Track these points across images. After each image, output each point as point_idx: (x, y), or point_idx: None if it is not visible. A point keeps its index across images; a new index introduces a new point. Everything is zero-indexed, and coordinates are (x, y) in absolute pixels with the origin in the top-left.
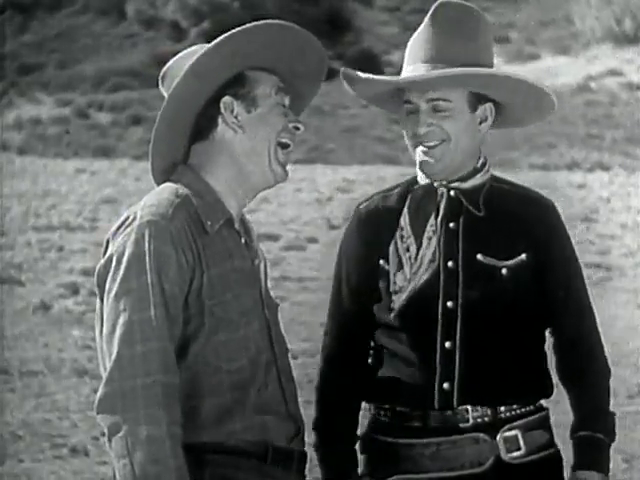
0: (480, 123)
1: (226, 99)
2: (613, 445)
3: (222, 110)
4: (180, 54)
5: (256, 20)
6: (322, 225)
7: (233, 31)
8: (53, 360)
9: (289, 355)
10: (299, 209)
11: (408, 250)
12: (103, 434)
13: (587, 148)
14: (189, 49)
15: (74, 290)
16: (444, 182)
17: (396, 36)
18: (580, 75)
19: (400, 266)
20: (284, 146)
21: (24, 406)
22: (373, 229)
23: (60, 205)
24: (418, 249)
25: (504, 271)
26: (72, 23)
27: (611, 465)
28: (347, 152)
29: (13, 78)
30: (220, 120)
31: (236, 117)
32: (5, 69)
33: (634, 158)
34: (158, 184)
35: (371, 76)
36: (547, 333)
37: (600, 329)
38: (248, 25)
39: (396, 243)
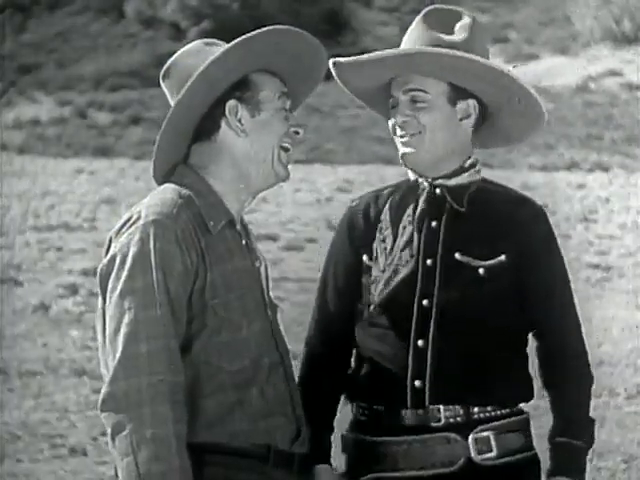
0: (461, 119)
1: (231, 103)
2: (613, 445)
3: (227, 113)
4: (183, 50)
5: (256, 20)
6: (321, 225)
7: (241, 38)
8: (52, 360)
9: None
10: (298, 209)
11: (384, 241)
12: (104, 433)
13: (586, 148)
14: (191, 45)
15: (73, 290)
16: (429, 179)
17: (395, 36)
18: (579, 75)
19: (376, 257)
20: (285, 150)
21: (23, 406)
22: (360, 227)
23: (59, 205)
24: (394, 239)
25: (481, 271)
26: (71, 23)
27: (610, 465)
28: (346, 152)
29: (12, 78)
30: (223, 122)
31: (240, 121)
32: (4, 69)
33: (634, 158)
34: (159, 184)
35: (355, 58)
36: (530, 336)
37: (599, 329)
38: (256, 32)
39: (376, 238)
